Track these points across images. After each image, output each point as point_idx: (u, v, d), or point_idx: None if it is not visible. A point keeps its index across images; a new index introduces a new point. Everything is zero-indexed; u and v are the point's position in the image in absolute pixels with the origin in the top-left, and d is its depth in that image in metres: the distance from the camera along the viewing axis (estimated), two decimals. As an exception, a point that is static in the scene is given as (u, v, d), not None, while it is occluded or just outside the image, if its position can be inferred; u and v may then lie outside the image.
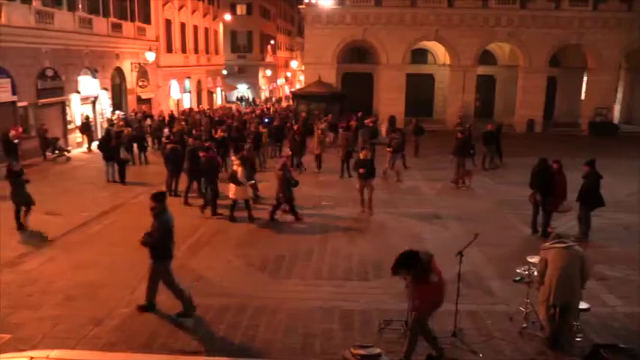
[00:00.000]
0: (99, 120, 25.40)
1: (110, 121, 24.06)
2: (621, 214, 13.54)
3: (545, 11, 31.40)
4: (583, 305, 7.08)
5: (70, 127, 23.16)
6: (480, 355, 6.78)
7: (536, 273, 7.29)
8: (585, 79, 34.74)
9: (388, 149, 18.18)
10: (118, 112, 26.43)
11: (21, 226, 11.60)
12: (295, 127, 20.42)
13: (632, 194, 16.15)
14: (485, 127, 20.28)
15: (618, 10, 31.30)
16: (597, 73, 32.49)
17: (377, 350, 5.95)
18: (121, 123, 23.34)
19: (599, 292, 8.62)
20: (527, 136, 30.76)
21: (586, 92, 34.57)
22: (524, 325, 7.42)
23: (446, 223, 12.90)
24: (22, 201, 11.56)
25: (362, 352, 5.85)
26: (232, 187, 12.68)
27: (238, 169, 12.65)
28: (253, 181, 13.65)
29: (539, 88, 32.64)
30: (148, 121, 25.39)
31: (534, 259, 7.75)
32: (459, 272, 7.22)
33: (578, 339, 6.99)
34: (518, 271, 7.67)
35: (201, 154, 13.97)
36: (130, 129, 21.12)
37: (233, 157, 13.48)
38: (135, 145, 20.06)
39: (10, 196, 11.53)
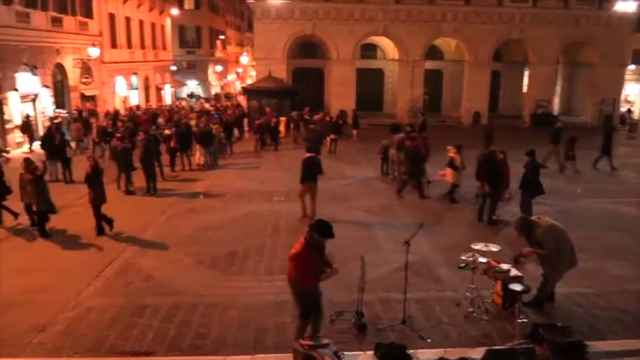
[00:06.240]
0: (40, 119, 24.36)
1: (52, 119, 23.10)
2: (560, 200, 14.21)
3: (488, 7, 32.38)
4: (518, 287, 7.31)
5: (8, 126, 22.09)
6: (429, 340, 6.99)
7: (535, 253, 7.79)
8: (527, 72, 36.26)
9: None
10: (58, 110, 25.44)
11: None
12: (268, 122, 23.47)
13: (569, 182, 16.98)
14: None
15: (555, 7, 32.73)
16: (537, 67, 33.88)
17: (325, 340, 6.06)
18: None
19: (539, 275, 8.98)
20: (473, 129, 31.65)
21: (528, 85, 36.04)
22: (470, 309, 7.69)
23: (396, 214, 13.16)
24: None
25: (310, 342, 5.96)
26: (449, 172, 13.82)
27: (456, 157, 13.65)
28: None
29: (484, 82, 33.67)
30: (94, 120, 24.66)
31: (478, 246, 8.04)
32: (406, 261, 7.41)
33: (520, 320, 7.29)
34: (462, 258, 7.92)
35: (408, 143, 14.89)
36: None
37: (449, 147, 14.05)
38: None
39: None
